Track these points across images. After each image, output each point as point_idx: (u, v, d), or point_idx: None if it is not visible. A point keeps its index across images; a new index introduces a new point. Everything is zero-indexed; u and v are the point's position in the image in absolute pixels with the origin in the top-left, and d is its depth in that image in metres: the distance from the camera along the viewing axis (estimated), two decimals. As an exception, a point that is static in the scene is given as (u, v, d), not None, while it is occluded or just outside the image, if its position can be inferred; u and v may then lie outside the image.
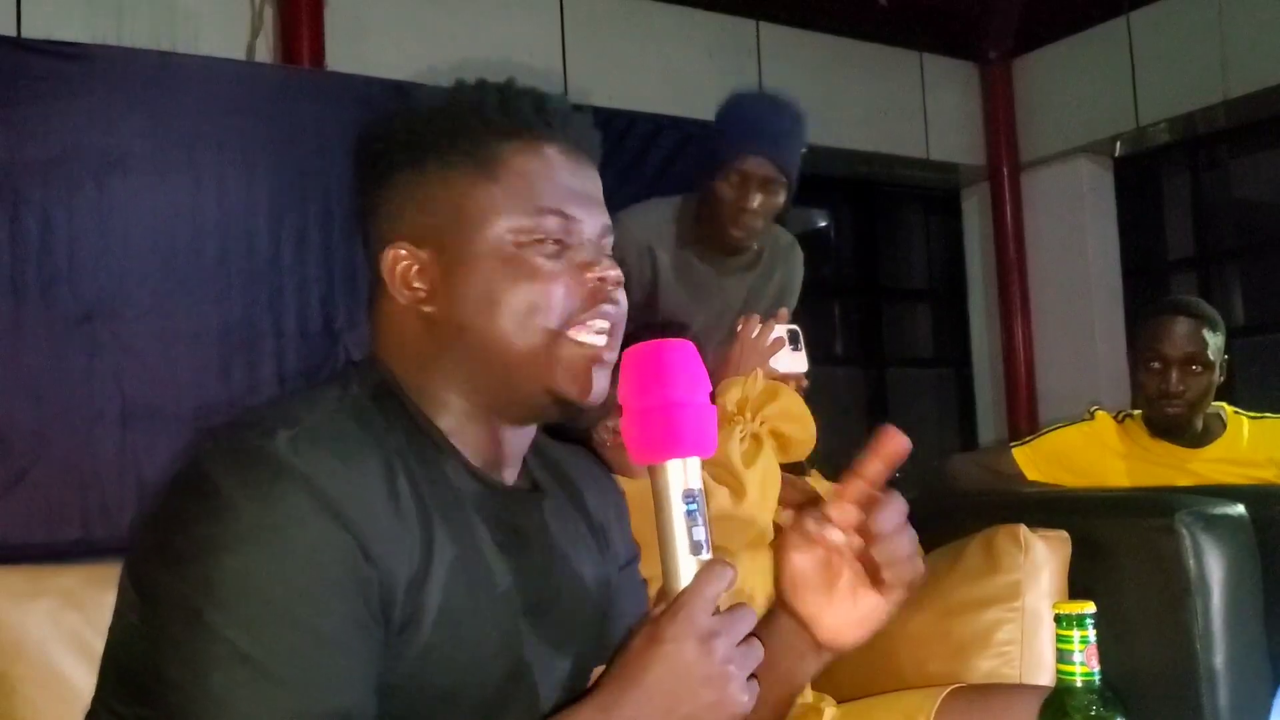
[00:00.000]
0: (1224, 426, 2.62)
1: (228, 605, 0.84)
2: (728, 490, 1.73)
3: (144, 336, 3.11)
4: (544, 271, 0.99)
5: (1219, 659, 1.78)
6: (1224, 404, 2.67)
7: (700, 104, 4.47)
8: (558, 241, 1.01)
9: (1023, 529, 1.89)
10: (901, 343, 5.73)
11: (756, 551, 1.75)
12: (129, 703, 0.93)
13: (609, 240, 1.06)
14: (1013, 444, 2.82)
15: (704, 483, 1.57)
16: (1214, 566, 1.80)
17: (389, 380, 1.02)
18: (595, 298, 1.01)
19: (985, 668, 1.83)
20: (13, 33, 3.25)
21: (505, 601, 1.01)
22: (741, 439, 1.78)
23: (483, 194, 1.00)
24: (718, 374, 1.87)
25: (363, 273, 3.54)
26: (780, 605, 1.03)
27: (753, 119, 2.45)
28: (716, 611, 0.90)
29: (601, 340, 1.02)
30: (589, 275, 1.01)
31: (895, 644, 1.98)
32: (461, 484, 1.00)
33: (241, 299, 3.27)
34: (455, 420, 1.02)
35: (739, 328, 1.94)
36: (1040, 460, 2.71)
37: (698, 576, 0.90)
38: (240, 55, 3.66)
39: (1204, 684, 1.78)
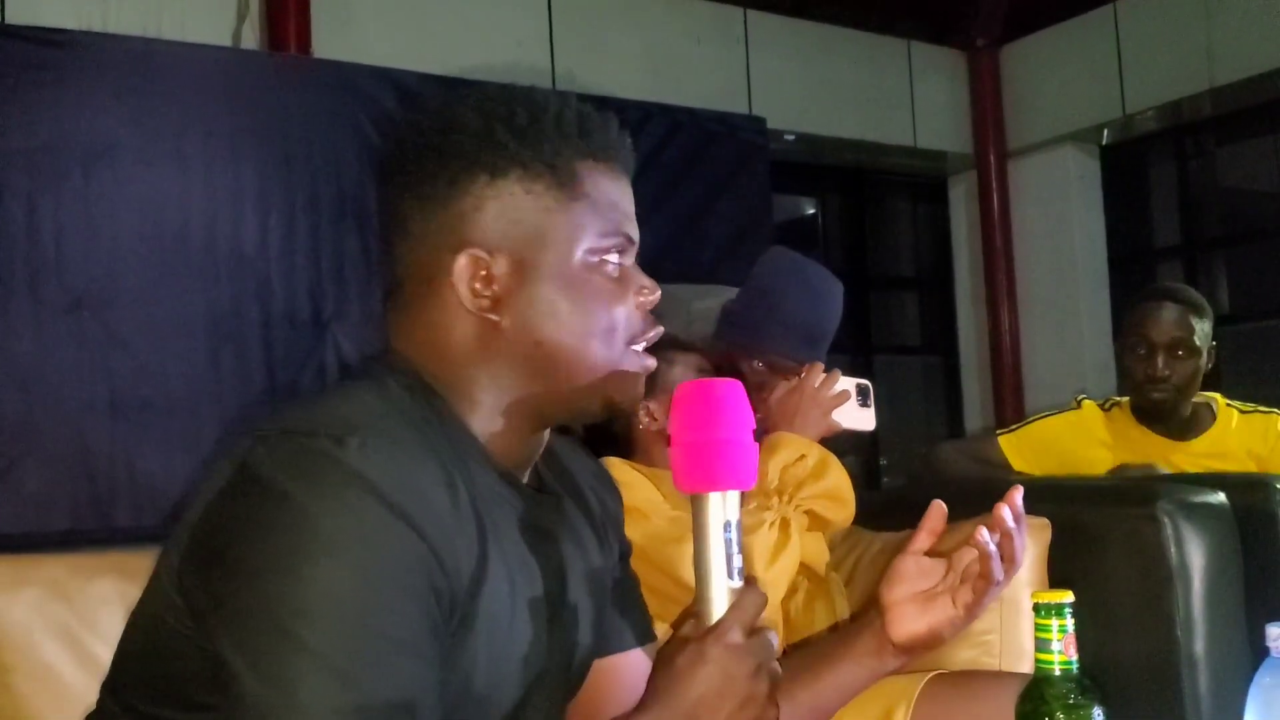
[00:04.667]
0: (1214, 418, 2.62)
1: (312, 617, 0.84)
2: None
3: (132, 326, 3.10)
4: (614, 292, 1.05)
5: (1199, 646, 1.80)
6: (1217, 395, 2.66)
7: (689, 91, 4.49)
8: (618, 263, 1.06)
9: (1001, 517, 1.90)
10: (889, 330, 5.74)
11: None
12: (163, 705, 0.93)
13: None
14: (999, 432, 2.82)
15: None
16: (1195, 554, 1.82)
17: (422, 378, 1.02)
18: (649, 318, 1.08)
19: (965, 657, 1.84)
20: (-3, 19, 3.24)
21: (537, 605, 1.03)
22: (771, 525, 1.70)
23: (565, 212, 1.03)
24: (776, 421, 1.80)
25: (353, 261, 3.53)
26: (870, 601, 1.26)
27: (802, 323, 2.12)
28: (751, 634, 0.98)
29: (650, 358, 1.09)
30: (642, 298, 1.07)
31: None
32: (494, 485, 1.02)
33: (229, 288, 3.27)
34: (490, 422, 1.03)
35: (803, 374, 1.83)
36: (1026, 448, 2.71)
37: (738, 601, 0.97)
38: (226, 42, 3.65)
39: (1184, 670, 1.80)
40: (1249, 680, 1.09)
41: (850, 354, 5.24)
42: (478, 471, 1.00)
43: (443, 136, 1.03)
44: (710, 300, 2.35)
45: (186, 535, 0.94)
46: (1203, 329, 2.56)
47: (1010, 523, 1.22)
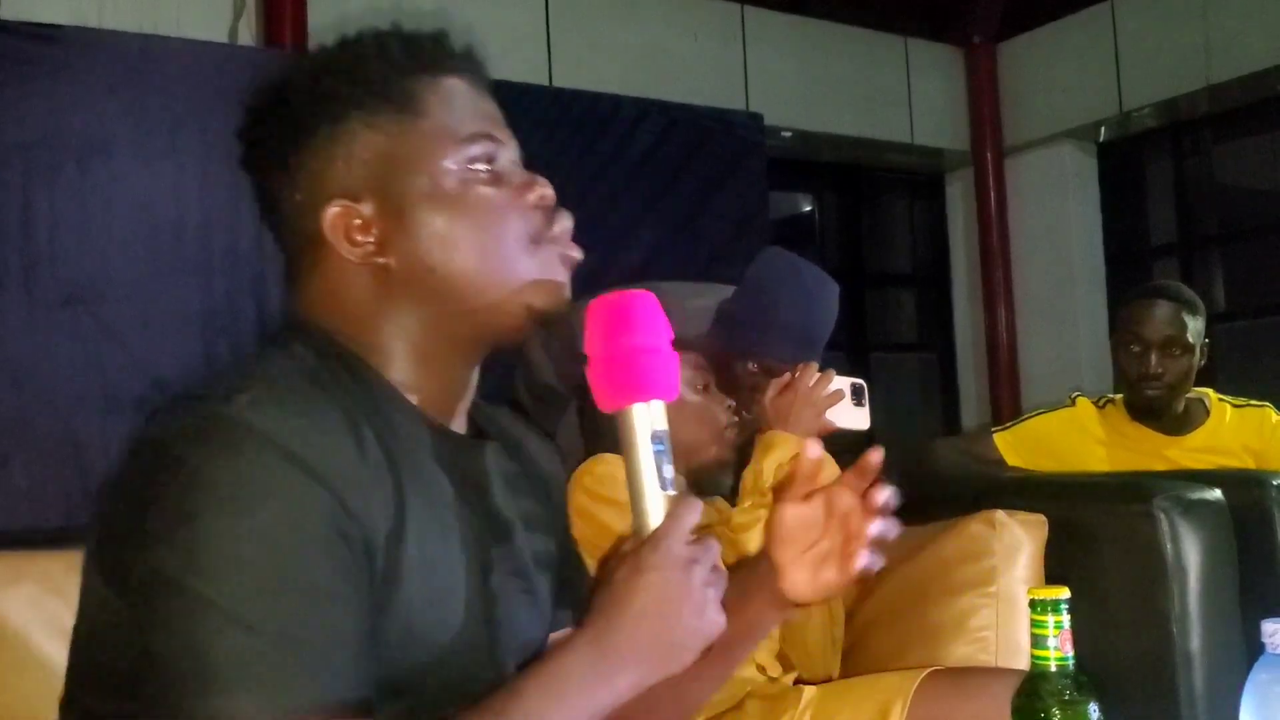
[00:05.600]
0: (1207, 414, 2.63)
1: (213, 572, 0.82)
2: None
3: (126, 321, 3.10)
4: (492, 201, 1.01)
5: (1195, 642, 1.81)
6: (1209, 390, 2.67)
7: (685, 87, 4.48)
8: (491, 168, 1.02)
9: (997, 513, 1.90)
10: (885, 327, 5.75)
11: None
12: (109, 698, 0.91)
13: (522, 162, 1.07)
14: (994, 429, 2.83)
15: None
16: (1191, 551, 1.82)
17: (330, 338, 1.01)
18: (547, 214, 1.03)
19: (961, 653, 1.84)
20: (-8, 14, 3.23)
21: (472, 546, 1.01)
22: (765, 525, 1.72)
23: (413, 132, 1.00)
24: (770, 421, 1.80)
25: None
26: (760, 554, 1.15)
27: (797, 327, 2.11)
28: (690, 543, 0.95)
29: (571, 249, 1.04)
30: (531, 196, 1.03)
31: (872, 630, 1.99)
32: (417, 433, 1.00)
33: (225, 283, 3.26)
34: (407, 370, 1.01)
35: (796, 374, 1.83)
36: (1021, 445, 2.72)
37: (672, 510, 0.96)
38: (222, 38, 3.64)
39: (1180, 667, 1.80)
40: (1245, 676, 1.10)
41: (846, 351, 5.25)
42: (400, 422, 0.98)
43: (276, 106, 1.02)
44: (704, 299, 2.36)
45: (95, 517, 0.92)
46: (1195, 326, 2.57)
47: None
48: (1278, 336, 4.82)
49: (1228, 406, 2.63)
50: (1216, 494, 1.90)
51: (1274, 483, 1.97)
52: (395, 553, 0.92)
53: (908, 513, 2.12)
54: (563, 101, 4.00)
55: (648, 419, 0.97)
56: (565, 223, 1.04)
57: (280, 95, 1.03)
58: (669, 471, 0.97)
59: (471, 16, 4.05)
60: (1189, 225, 5.18)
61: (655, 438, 0.97)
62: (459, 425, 1.07)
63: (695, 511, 0.96)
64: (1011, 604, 1.85)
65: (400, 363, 1.01)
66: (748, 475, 1.79)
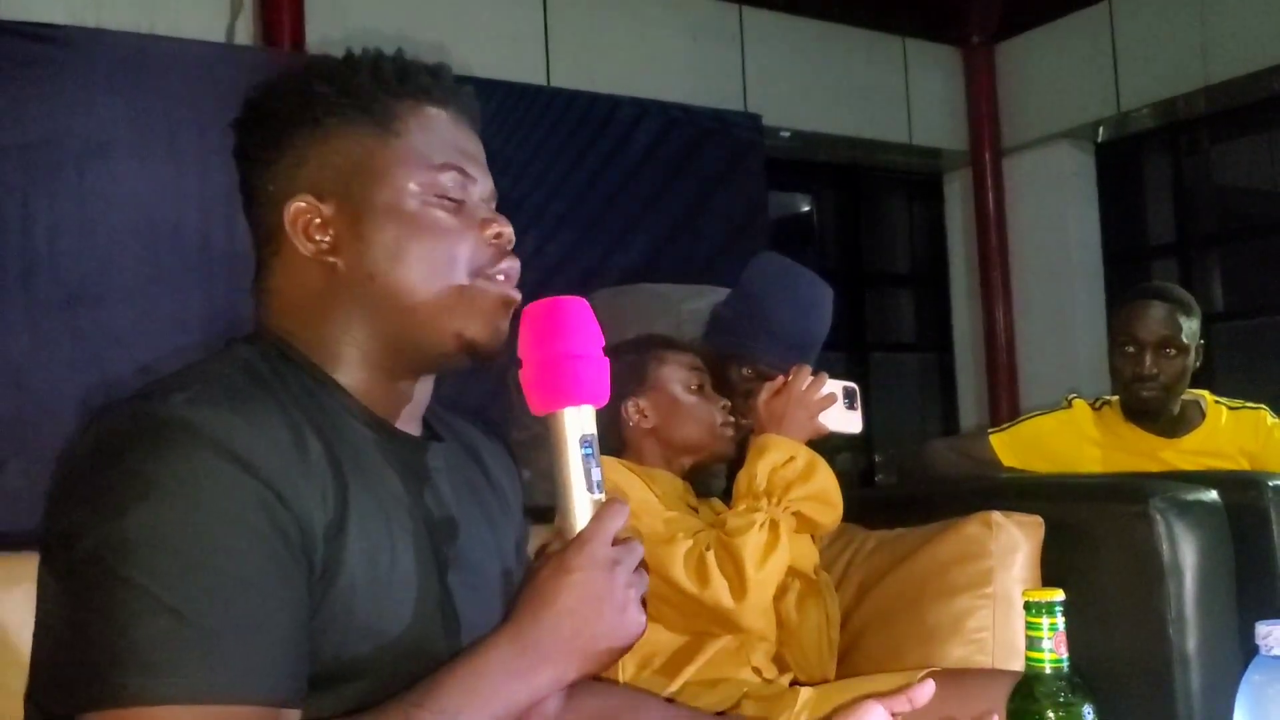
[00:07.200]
0: (1203, 416, 2.63)
1: (142, 558, 0.84)
2: (727, 585, 1.68)
3: (127, 322, 3.10)
4: (447, 227, 1.04)
5: (1191, 643, 1.81)
6: (1205, 392, 2.67)
7: (684, 88, 4.49)
8: (455, 199, 1.06)
9: (994, 514, 1.90)
10: (884, 327, 5.75)
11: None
12: (53, 691, 0.91)
13: (494, 203, 1.11)
14: (991, 430, 2.83)
15: (707, 566, 1.68)
16: (1187, 552, 1.82)
17: (280, 342, 1.05)
18: (497, 253, 1.07)
19: (958, 654, 1.84)
20: (-10, 15, 3.23)
21: (422, 539, 1.03)
22: (760, 526, 1.71)
23: (386, 148, 1.05)
24: (764, 424, 1.81)
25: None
26: None
27: (789, 333, 2.12)
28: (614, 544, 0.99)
29: (509, 285, 1.07)
30: (488, 232, 1.06)
31: (868, 631, 1.99)
32: (362, 431, 1.03)
33: (225, 284, 3.26)
34: (354, 373, 1.05)
35: (790, 376, 1.84)
36: (1017, 447, 2.72)
37: (599, 512, 0.99)
38: (220, 38, 3.65)
39: (1176, 668, 1.80)
40: (1240, 678, 1.10)
41: (846, 351, 5.25)
42: (345, 423, 1.01)
43: (267, 101, 1.07)
44: (701, 302, 2.37)
45: (44, 516, 0.94)
46: (1190, 327, 2.57)
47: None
48: (1276, 336, 4.83)
49: (1224, 409, 2.63)
50: (1213, 495, 1.91)
51: (1270, 484, 1.97)
52: (337, 544, 0.94)
53: (905, 514, 2.12)
54: (561, 102, 4.01)
55: (578, 423, 1.00)
56: (512, 264, 1.08)
57: (274, 92, 1.07)
58: (597, 475, 1.00)
59: (471, 13, 4.08)
60: (1187, 225, 5.19)
61: (584, 441, 1.00)
62: (408, 429, 1.09)
63: (621, 515, 0.99)
64: (1008, 605, 1.85)
65: (346, 363, 1.05)
66: (741, 478, 1.80)
